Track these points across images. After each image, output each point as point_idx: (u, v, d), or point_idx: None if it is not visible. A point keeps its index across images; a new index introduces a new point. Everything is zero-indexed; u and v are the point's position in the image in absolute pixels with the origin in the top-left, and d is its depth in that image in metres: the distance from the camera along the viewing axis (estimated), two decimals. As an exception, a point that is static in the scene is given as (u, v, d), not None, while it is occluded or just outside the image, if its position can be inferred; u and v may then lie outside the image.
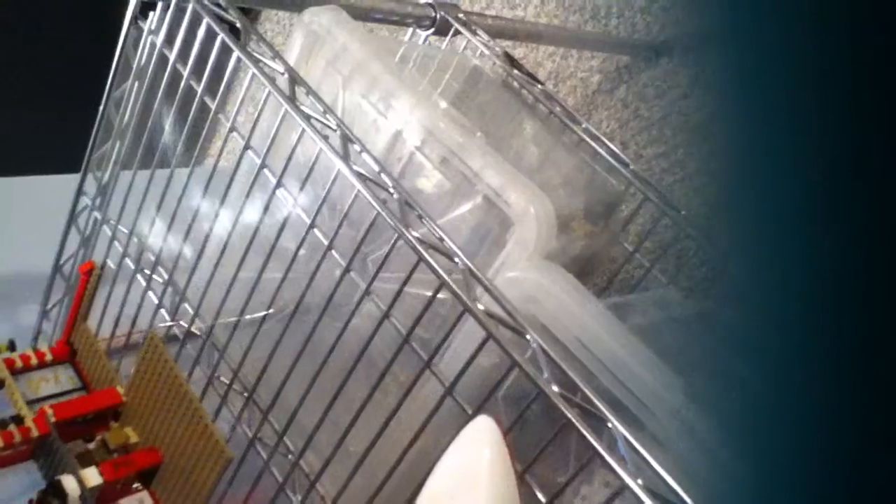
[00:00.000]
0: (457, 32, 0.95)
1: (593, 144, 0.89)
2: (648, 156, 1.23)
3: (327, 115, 0.61)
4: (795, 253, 0.13)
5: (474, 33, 0.94)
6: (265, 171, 0.65)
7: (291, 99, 0.62)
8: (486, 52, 0.94)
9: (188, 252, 0.72)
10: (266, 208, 0.66)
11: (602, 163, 0.89)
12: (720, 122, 0.15)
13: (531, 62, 1.37)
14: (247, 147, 0.66)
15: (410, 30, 0.96)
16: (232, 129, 0.67)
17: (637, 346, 0.60)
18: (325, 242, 0.62)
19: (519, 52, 1.37)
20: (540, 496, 0.51)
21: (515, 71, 0.94)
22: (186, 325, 0.72)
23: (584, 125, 0.90)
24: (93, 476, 0.69)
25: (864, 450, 0.13)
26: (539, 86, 0.93)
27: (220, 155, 0.68)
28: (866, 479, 0.13)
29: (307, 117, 0.60)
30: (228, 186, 0.68)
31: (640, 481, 0.46)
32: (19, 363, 0.78)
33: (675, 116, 1.23)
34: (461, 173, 0.67)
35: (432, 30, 0.94)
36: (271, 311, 0.68)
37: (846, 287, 0.13)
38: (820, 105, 0.13)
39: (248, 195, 0.66)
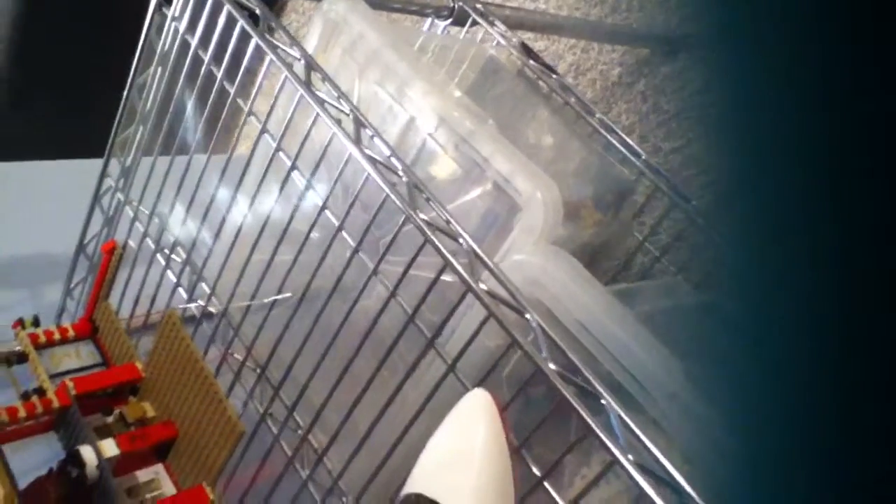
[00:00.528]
0: (475, 23, 0.96)
1: (606, 135, 0.90)
2: (666, 149, 1.23)
3: (341, 100, 0.63)
4: (786, 249, 0.14)
5: (492, 24, 0.95)
6: (280, 154, 0.67)
7: (307, 84, 0.63)
8: (504, 42, 0.95)
9: (207, 235, 0.75)
10: (280, 190, 0.68)
11: (615, 153, 0.89)
12: (721, 119, 0.15)
13: (552, 54, 1.38)
14: (263, 131, 0.68)
15: (429, 20, 0.97)
16: (249, 114, 0.69)
17: (639, 330, 0.61)
18: (337, 224, 0.63)
19: (540, 44, 1.38)
20: (535, 471, 0.52)
21: (532, 62, 0.95)
22: (203, 304, 0.75)
23: (598, 116, 0.91)
24: (110, 447, 0.72)
25: (855, 447, 0.13)
26: (555, 76, 0.94)
27: (237, 138, 0.70)
28: (858, 479, 0.13)
29: (321, 102, 0.62)
30: (245, 169, 0.70)
31: (631, 457, 0.47)
32: (43, 338, 0.81)
33: (692, 111, 1.23)
34: (472, 160, 0.69)
35: (450, 20, 0.95)
36: (289, 294, 0.70)
37: (834, 283, 0.13)
38: (805, 106, 0.13)
39: (263, 178, 0.68)
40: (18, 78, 1.22)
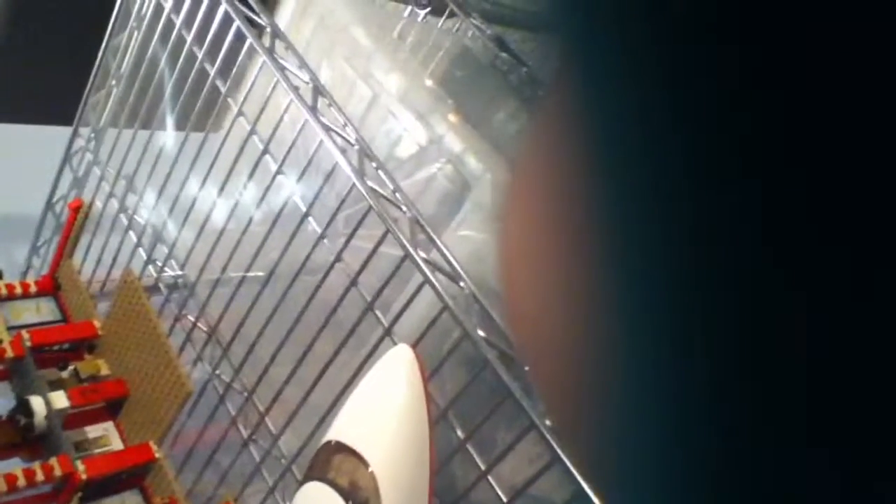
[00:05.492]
0: (452, 14, 0.98)
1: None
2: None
3: (302, 69, 0.65)
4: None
5: (468, 15, 0.97)
6: (254, 138, 0.67)
7: (270, 51, 0.65)
8: (479, 33, 0.97)
9: (167, 204, 0.76)
10: (251, 175, 0.68)
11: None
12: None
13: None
14: (239, 114, 0.68)
15: (409, 7, 0.99)
16: (227, 96, 0.69)
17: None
18: (304, 209, 0.64)
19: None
20: (459, 433, 0.54)
21: (504, 54, 0.97)
22: (161, 266, 0.76)
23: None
24: (60, 399, 0.73)
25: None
26: (525, 68, 0.95)
27: (213, 115, 0.72)
28: None
29: (282, 68, 0.64)
30: (218, 152, 0.70)
31: (548, 423, 0.48)
32: (4, 291, 0.82)
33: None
34: (428, 137, 0.70)
35: (429, 9, 0.97)
36: (255, 273, 0.71)
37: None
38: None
39: (234, 162, 0.68)
40: None
